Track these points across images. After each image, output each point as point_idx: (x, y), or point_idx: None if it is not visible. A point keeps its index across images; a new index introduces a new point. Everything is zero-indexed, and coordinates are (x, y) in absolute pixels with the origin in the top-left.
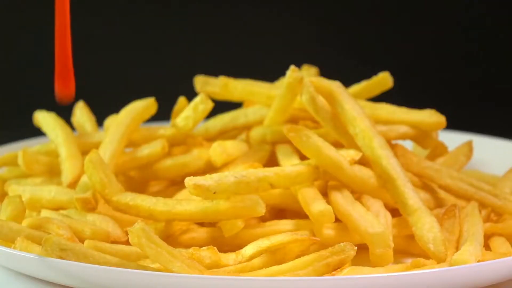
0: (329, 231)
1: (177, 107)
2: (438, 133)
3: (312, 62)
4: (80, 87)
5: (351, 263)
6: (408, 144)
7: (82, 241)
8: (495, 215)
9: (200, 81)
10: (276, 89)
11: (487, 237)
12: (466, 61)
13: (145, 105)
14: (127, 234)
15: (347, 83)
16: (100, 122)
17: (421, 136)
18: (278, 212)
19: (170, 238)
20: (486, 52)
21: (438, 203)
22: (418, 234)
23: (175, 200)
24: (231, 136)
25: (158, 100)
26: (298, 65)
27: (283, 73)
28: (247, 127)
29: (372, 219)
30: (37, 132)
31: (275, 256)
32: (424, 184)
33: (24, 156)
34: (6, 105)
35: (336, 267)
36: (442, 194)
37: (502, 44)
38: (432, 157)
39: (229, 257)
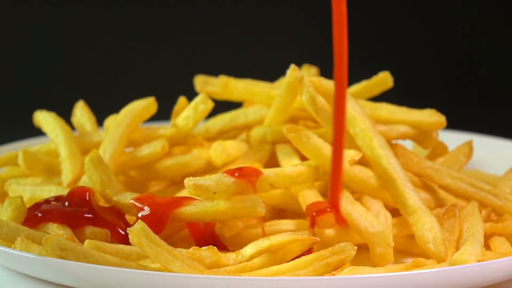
0: (329, 231)
1: (177, 107)
2: (438, 133)
3: (312, 62)
4: (80, 87)
5: (351, 263)
6: (408, 144)
7: (82, 241)
8: (495, 215)
9: (200, 81)
10: (276, 89)
11: (487, 237)
12: (466, 61)
13: (145, 105)
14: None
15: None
16: (100, 122)
17: (421, 136)
18: (278, 212)
19: (170, 238)
20: (486, 52)
21: (438, 203)
22: (418, 234)
23: None
24: (231, 136)
25: (158, 100)
26: (298, 65)
27: (283, 73)
28: (247, 127)
29: (372, 219)
30: (37, 132)
31: (275, 256)
32: (424, 184)
33: (24, 156)
34: (6, 105)
35: (336, 267)
36: (442, 194)
37: (502, 43)
38: (432, 157)
39: (229, 257)
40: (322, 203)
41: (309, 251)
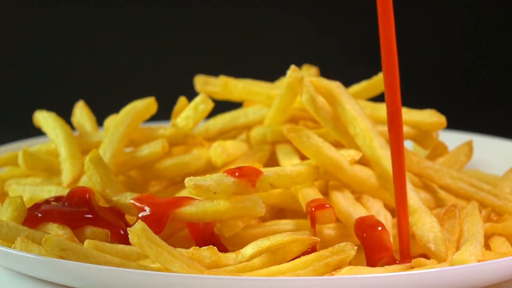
0: (329, 231)
1: (177, 107)
2: (438, 133)
3: (312, 62)
4: (80, 87)
5: (351, 263)
6: (408, 144)
7: (82, 241)
8: (495, 215)
9: (200, 81)
10: (276, 89)
11: (487, 237)
12: (466, 61)
13: (145, 105)
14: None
15: (347, 83)
16: (100, 122)
17: (421, 136)
18: (278, 212)
19: (170, 238)
20: (486, 52)
21: (438, 203)
22: (419, 234)
23: None
24: (231, 136)
25: (158, 100)
26: (298, 65)
27: (283, 73)
28: (247, 127)
29: None
30: (37, 132)
31: (275, 256)
32: (424, 184)
33: (24, 156)
34: (6, 105)
35: (336, 267)
36: (442, 194)
37: (502, 43)
38: (432, 157)
39: (229, 257)
40: (322, 200)
41: (313, 249)
